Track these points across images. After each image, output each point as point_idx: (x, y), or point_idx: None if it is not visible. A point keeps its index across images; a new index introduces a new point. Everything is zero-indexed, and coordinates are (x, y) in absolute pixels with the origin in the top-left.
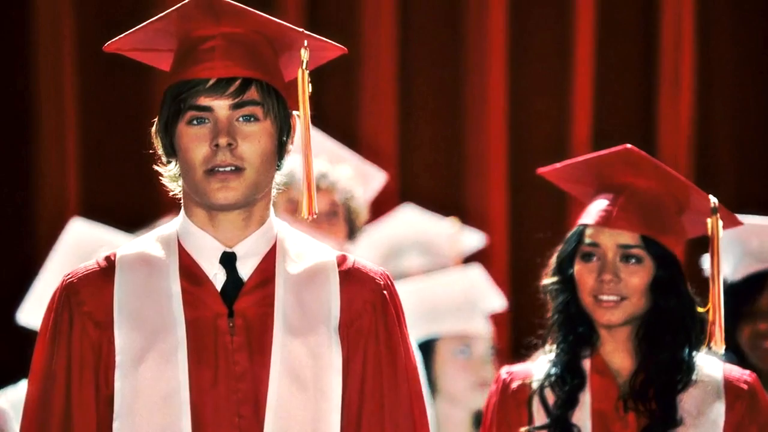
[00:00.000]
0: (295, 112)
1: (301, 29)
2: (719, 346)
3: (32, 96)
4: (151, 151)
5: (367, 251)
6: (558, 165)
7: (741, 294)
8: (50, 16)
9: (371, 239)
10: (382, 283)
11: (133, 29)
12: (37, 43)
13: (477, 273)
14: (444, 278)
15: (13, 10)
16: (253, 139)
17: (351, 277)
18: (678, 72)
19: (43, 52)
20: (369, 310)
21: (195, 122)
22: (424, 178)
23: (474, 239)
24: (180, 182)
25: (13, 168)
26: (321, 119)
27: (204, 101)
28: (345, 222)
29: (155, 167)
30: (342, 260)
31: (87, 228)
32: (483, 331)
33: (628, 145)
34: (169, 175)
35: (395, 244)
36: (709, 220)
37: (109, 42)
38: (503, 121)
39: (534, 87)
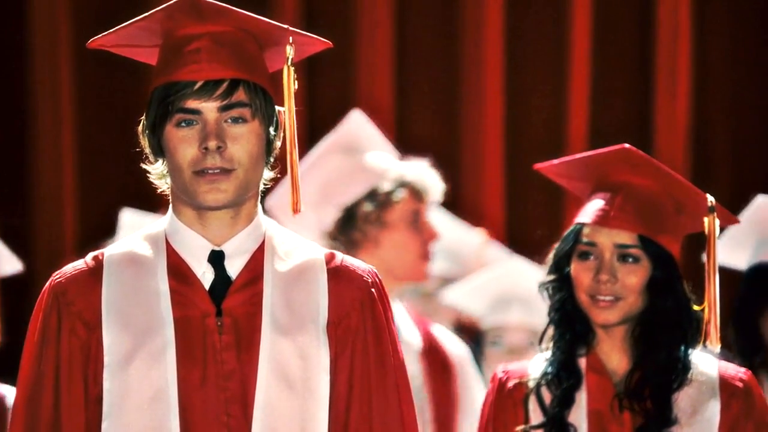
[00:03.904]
0: (281, 108)
1: (286, 26)
2: (715, 345)
3: (29, 96)
4: (138, 149)
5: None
6: (555, 161)
7: (761, 282)
8: (47, 17)
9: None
10: (370, 280)
11: (118, 27)
12: (34, 44)
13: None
14: (514, 268)
15: (9, 10)
16: (242, 141)
17: (339, 275)
18: (674, 69)
19: (40, 53)
20: (357, 308)
21: (183, 124)
22: None
23: (498, 253)
24: (168, 180)
25: (10, 168)
26: (315, 117)
27: (192, 104)
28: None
29: (143, 165)
30: (330, 258)
31: (137, 217)
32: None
33: (627, 145)
34: (157, 173)
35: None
36: (706, 219)
37: (93, 39)
38: (500, 119)
39: (531, 85)
